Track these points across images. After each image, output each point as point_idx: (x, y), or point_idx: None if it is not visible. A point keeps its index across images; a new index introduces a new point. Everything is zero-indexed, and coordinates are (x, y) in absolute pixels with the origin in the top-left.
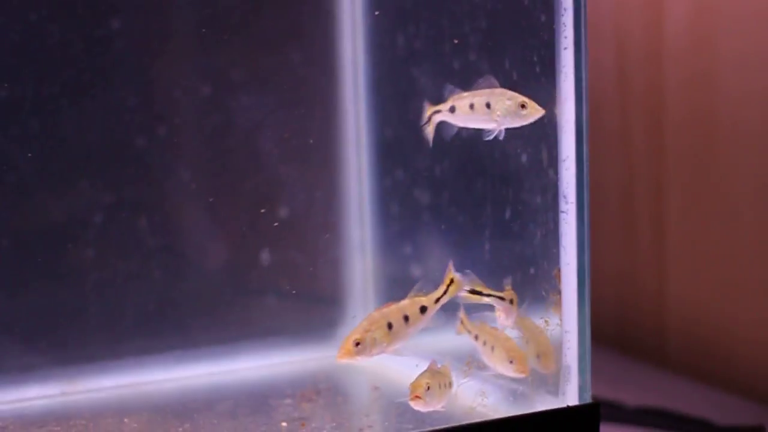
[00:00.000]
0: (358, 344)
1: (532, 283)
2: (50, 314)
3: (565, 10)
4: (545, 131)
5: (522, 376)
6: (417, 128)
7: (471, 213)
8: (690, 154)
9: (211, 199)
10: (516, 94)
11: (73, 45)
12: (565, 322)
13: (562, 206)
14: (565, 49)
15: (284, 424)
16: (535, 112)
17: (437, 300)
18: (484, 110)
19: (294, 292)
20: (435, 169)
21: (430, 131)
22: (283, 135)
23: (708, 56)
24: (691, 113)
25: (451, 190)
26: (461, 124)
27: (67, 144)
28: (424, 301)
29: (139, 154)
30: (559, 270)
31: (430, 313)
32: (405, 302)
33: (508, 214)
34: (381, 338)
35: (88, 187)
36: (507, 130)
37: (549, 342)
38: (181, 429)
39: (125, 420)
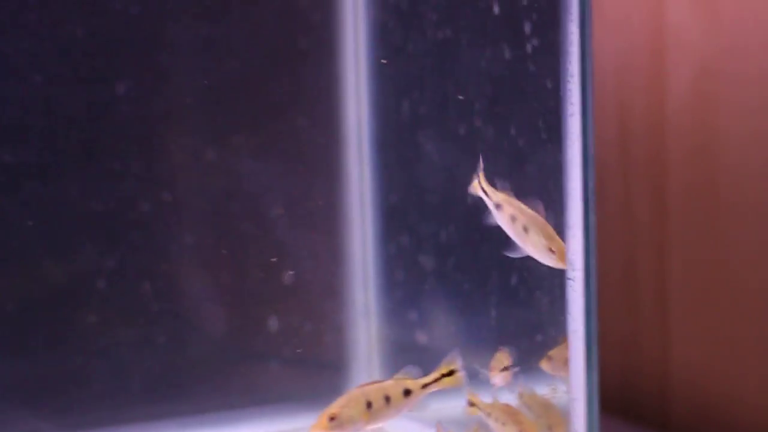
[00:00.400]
0: (332, 419)
1: (539, 351)
2: (54, 379)
3: (571, 76)
4: (552, 198)
5: None
6: (422, 193)
7: (477, 279)
8: (692, 222)
9: (215, 264)
10: (552, 235)
11: (77, 108)
12: (573, 390)
13: (569, 273)
14: (572, 115)
15: None
16: (558, 263)
17: (425, 386)
18: (519, 229)
19: (298, 357)
20: (440, 234)
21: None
22: (286, 200)
23: (709, 130)
24: (693, 183)
25: (457, 255)
26: (495, 218)
27: (70, 209)
28: (410, 384)
29: (143, 219)
30: (565, 338)
31: (415, 398)
32: (389, 383)
33: (514, 281)
34: (357, 416)
35: (91, 252)
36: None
37: (559, 413)
38: None
39: None
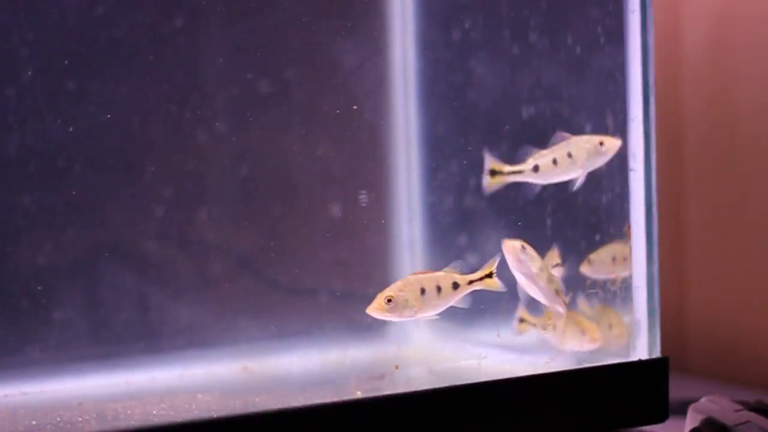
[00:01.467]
0: (389, 301)
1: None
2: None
3: None
4: (612, 98)
5: (598, 344)
6: (471, 117)
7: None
8: (708, 168)
9: (264, 197)
10: (591, 136)
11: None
12: (634, 278)
13: (632, 164)
14: (633, 12)
15: (359, 393)
16: (613, 147)
17: (470, 282)
18: (567, 162)
19: (346, 290)
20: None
21: (490, 186)
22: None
23: (726, 74)
24: (710, 130)
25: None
26: (544, 182)
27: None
28: (458, 278)
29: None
30: (629, 226)
31: (461, 292)
32: (440, 273)
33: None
34: (412, 301)
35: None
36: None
37: (617, 314)
38: (257, 399)
39: (198, 396)
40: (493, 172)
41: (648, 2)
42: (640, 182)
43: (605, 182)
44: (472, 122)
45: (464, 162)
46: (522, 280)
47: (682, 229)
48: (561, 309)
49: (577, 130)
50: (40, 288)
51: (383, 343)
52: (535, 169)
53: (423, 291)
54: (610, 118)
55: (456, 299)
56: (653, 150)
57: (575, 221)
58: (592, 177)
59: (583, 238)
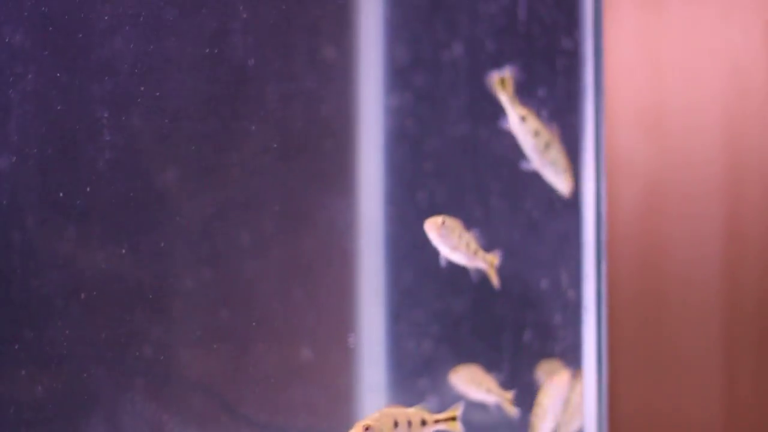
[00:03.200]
0: (367, 429)
1: None
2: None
3: None
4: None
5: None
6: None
7: None
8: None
9: None
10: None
11: None
12: (586, 421)
13: (584, 316)
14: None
15: None
16: (567, 186)
17: (436, 421)
18: (541, 145)
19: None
20: None
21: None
22: None
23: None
24: (640, 292)
25: None
26: (513, 128)
27: None
28: (426, 416)
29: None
30: (580, 371)
31: (428, 429)
32: (412, 410)
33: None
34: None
35: None
36: None
37: None
38: None
39: None
40: None
41: (602, 173)
42: (592, 332)
43: (560, 332)
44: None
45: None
46: (445, 251)
47: (616, 381)
48: (483, 264)
49: (534, 286)
50: None
51: None
52: (523, 119)
53: (396, 424)
54: (564, 275)
55: None
56: (604, 304)
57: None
58: (548, 328)
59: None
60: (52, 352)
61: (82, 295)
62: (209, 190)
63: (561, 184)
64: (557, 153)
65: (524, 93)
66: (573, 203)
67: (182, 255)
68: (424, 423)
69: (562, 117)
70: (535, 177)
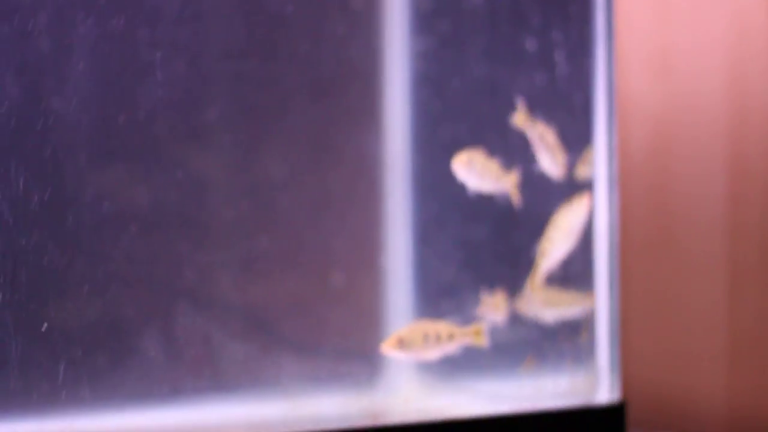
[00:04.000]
0: (400, 340)
1: None
2: None
3: None
4: None
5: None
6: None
7: None
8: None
9: None
10: None
11: None
12: (598, 331)
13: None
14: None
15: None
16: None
17: (463, 335)
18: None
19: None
20: None
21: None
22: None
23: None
24: (653, 213)
25: None
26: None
27: None
28: (454, 330)
29: None
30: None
31: (456, 341)
32: (440, 324)
33: None
34: (417, 344)
35: None
36: None
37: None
38: None
39: None
40: None
41: (613, 111)
42: (605, 253)
43: (575, 254)
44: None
45: None
46: (473, 183)
47: (627, 298)
48: (507, 185)
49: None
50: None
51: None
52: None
53: (426, 337)
54: None
55: (451, 347)
56: (616, 229)
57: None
58: None
59: None
60: (105, 276)
61: (132, 226)
62: (248, 128)
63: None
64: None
65: (540, 37)
66: (586, 140)
67: (223, 187)
68: (451, 336)
69: (576, 60)
70: (550, 115)
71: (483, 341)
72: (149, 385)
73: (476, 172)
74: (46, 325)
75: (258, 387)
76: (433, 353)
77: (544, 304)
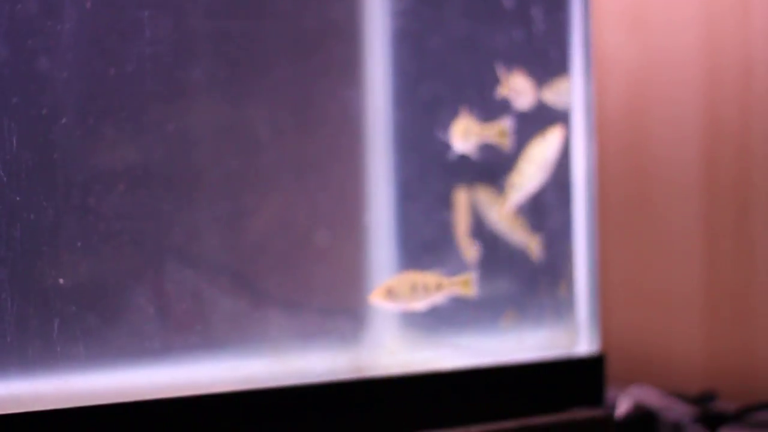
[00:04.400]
0: (388, 291)
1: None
2: None
3: None
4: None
5: None
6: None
7: None
8: (626, 205)
9: None
10: None
11: None
12: (577, 287)
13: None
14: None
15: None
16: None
17: (451, 284)
18: None
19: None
20: None
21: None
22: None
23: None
24: (628, 171)
25: None
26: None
27: None
28: (442, 280)
29: None
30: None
31: (443, 291)
32: (429, 275)
33: None
34: (406, 293)
35: None
36: None
37: None
38: None
39: None
40: None
41: (590, 67)
42: (583, 208)
43: (553, 209)
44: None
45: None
46: (462, 146)
47: (605, 254)
48: (491, 136)
49: None
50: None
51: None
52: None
53: (414, 287)
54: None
55: (439, 297)
56: (594, 182)
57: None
58: (542, 205)
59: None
60: (93, 233)
61: (120, 183)
62: (231, 85)
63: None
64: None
65: None
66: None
67: (208, 145)
68: (439, 286)
69: (553, 14)
70: (528, 68)
71: (471, 291)
72: (139, 342)
73: (471, 140)
74: (62, 281)
75: (246, 343)
76: (422, 303)
77: (511, 231)
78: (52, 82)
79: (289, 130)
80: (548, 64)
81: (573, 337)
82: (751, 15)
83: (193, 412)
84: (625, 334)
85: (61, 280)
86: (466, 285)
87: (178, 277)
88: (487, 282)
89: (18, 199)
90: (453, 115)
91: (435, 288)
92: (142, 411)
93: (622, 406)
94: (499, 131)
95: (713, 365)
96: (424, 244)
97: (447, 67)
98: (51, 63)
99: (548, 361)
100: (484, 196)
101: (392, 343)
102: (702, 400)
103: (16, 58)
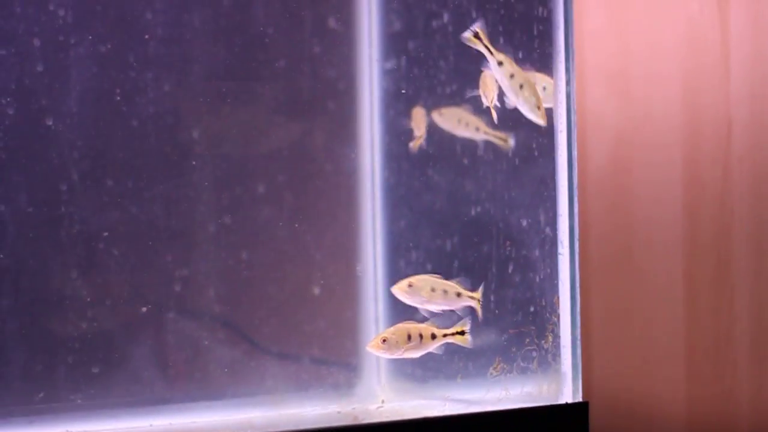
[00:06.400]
0: (384, 341)
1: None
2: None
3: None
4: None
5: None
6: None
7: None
8: (608, 268)
9: None
10: (539, 95)
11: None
12: (562, 339)
13: (560, 250)
14: (560, 132)
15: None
16: (540, 120)
17: (445, 335)
18: (516, 86)
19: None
20: None
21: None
22: None
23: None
24: (611, 230)
25: None
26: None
27: None
28: (436, 331)
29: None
30: (557, 298)
31: (438, 342)
32: (424, 325)
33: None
34: (400, 343)
35: None
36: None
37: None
38: None
39: None
40: None
41: (573, 125)
42: (566, 263)
43: (539, 264)
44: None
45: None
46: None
47: (588, 307)
48: (471, 303)
49: (516, 225)
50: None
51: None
52: (500, 63)
53: (410, 337)
54: (542, 214)
55: (434, 347)
56: (576, 239)
57: (514, 297)
58: (528, 261)
59: (520, 310)
60: (95, 286)
61: (120, 238)
62: (229, 144)
63: (536, 118)
64: (530, 92)
65: (507, 54)
66: (549, 151)
67: (206, 203)
68: (434, 336)
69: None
70: (516, 129)
71: (467, 341)
72: (140, 390)
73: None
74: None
75: (243, 391)
76: (417, 352)
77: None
78: (55, 140)
79: (284, 186)
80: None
81: (557, 386)
82: (732, 73)
83: None
84: (607, 384)
85: (64, 330)
86: (461, 337)
87: (177, 328)
88: (476, 334)
89: (23, 252)
90: (441, 170)
91: (429, 338)
92: None
93: None
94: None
95: (696, 413)
96: None
97: (435, 126)
98: (55, 121)
99: (533, 409)
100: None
101: (383, 392)
102: None
103: (21, 116)
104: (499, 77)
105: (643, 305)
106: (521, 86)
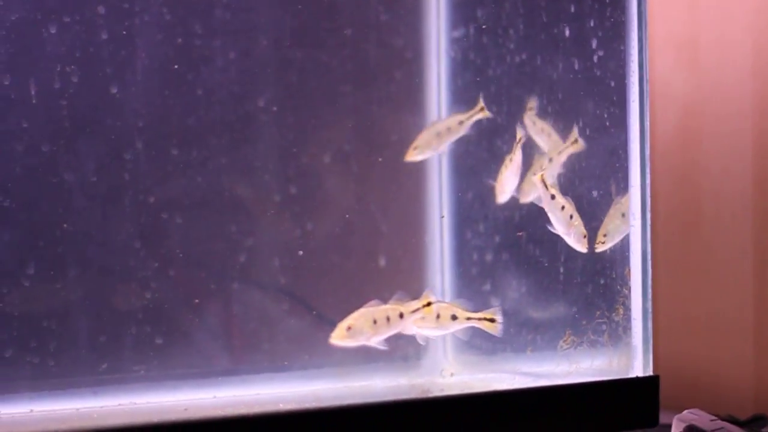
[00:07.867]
0: (349, 329)
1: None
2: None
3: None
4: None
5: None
6: None
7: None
8: (675, 233)
9: None
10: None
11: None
12: (633, 312)
13: (632, 221)
14: (633, 101)
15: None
16: (583, 248)
17: (469, 319)
18: (567, 217)
19: None
20: None
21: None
22: None
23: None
24: (677, 204)
25: None
26: (547, 205)
27: None
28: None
29: None
30: (629, 269)
31: (406, 320)
32: (389, 306)
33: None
34: (367, 329)
35: None
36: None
37: None
38: None
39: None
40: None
41: (645, 94)
42: (638, 235)
43: None
44: None
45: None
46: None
47: (656, 281)
48: (472, 324)
49: (587, 196)
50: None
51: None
52: (553, 197)
53: (375, 321)
54: (613, 185)
55: (402, 326)
56: (648, 211)
57: (584, 268)
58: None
59: (590, 282)
60: (161, 258)
61: (187, 209)
62: (296, 113)
63: (581, 248)
64: (579, 222)
65: (578, 23)
66: (620, 122)
67: (271, 173)
68: (401, 315)
69: (610, 44)
70: (590, 100)
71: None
72: (207, 362)
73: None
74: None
75: (309, 364)
76: (385, 335)
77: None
78: (121, 106)
79: (351, 156)
80: (607, 92)
81: (627, 360)
82: None
83: (258, 430)
84: (675, 359)
85: (128, 301)
86: (428, 309)
87: (241, 299)
88: (546, 307)
89: (88, 223)
90: (509, 140)
91: (397, 318)
92: (209, 429)
93: (675, 430)
94: (489, 316)
95: (764, 389)
96: (481, 270)
97: (504, 94)
98: (120, 88)
99: (604, 383)
100: None
101: (450, 365)
102: (753, 424)
103: (83, 86)
104: (549, 208)
105: (710, 279)
106: (571, 216)
